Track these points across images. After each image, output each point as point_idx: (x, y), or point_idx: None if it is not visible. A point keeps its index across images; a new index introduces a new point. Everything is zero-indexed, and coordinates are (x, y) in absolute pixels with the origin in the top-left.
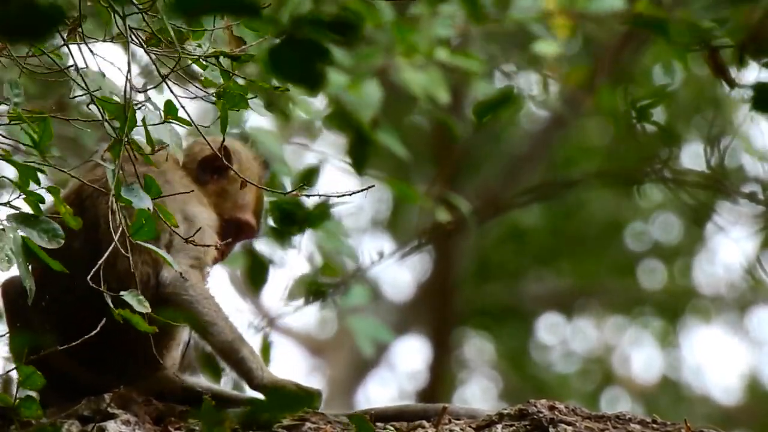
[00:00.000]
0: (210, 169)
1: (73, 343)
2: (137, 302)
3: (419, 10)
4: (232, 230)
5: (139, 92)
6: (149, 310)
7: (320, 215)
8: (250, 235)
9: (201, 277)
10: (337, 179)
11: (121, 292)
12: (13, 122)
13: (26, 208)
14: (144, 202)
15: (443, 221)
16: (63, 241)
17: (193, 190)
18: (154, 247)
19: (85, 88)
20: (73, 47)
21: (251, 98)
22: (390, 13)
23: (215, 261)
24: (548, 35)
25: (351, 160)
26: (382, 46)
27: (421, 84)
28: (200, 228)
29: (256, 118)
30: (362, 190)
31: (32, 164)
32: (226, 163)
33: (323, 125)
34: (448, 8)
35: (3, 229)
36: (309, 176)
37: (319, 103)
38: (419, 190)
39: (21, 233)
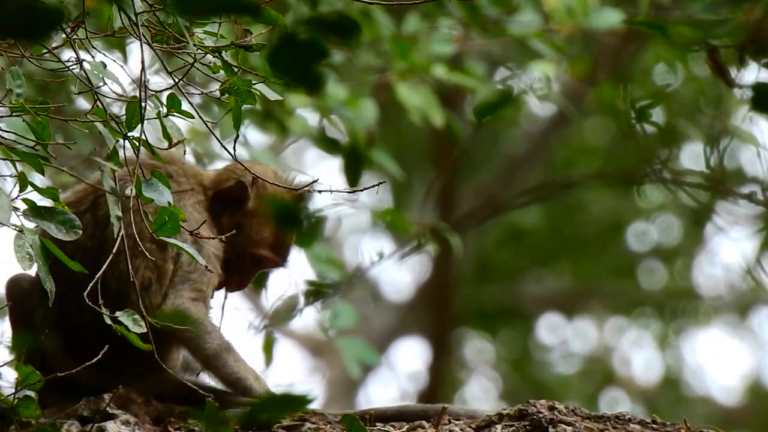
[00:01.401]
0: (223, 203)
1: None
2: (132, 322)
3: (417, 25)
4: (248, 262)
5: (141, 88)
6: (144, 330)
7: (311, 235)
8: (272, 266)
9: (204, 308)
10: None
11: (117, 313)
12: (14, 114)
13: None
14: (164, 197)
15: (430, 250)
16: (81, 232)
17: (185, 218)
18: (178, 243)
19: (87, 83)
20: (75, 45)
21: (258, 83)
22: (388, 27)
23: (232, 290)
24: (548, 50)
25: (345, 176)
26: (379, 62)
27: (416, 105)
28: (196, 227)
29: (253, 136)
30: (373, 186)
31: (37, 154)
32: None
33: (315, 146)
34: (447, 21)
35: (21, 231)
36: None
37: (315, 119)
38: (415, 204)
39: (39, 236)
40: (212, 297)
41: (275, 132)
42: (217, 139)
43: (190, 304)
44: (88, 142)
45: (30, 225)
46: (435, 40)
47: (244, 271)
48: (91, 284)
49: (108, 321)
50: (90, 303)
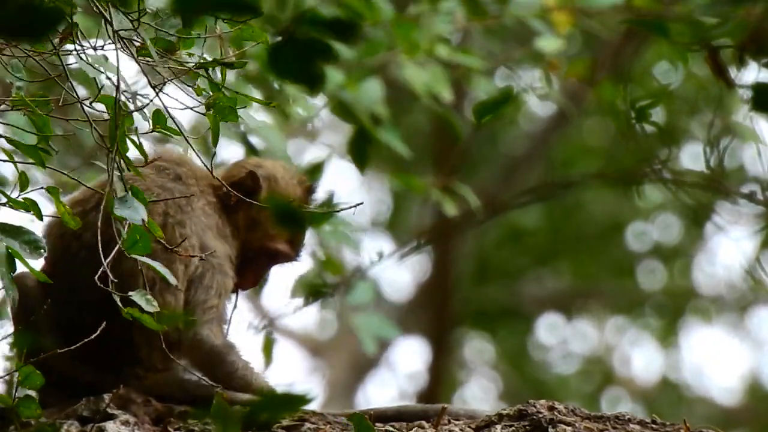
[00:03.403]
0: (237, 199)
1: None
2: (146, 302)
3: (419, 7)
4: (264, 258)
5: (130, 97)
6: (158, 309)
7: (324, 213)
8: (287, 261)
9: (219, 330)
10: (340, 176)
11: (130, 293)
12: (16, 108)
13: (24, 211)
14: (138, 214)
15: (449, 214)
16: (45, 253)
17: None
18: (148, 261)
19: (83, 89)
20: (69, 49)
21: (241, 108)
22: (390, 11)
23: (247, 287)
24: (548, 31)
25: (352, 156)
26: (382, 44)
27: (424, 81)
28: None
29: (259, 114)
30: (355, 206)
31: (37, 148)
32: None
33: (331, 112)
34: (448, 4)
35: None
36: (314, 172)
37: (319, 101)
38: (414, 203)
39: (4, 243)
40: (229, 302)
41: (279, 118)
42: (198, 155)
43: (206, 330)
44: (91, 136)
45: None
46: (436, 21)
47: (259, 267)
48: (97, 275)
49: (118, 303)
50: (101, 285)
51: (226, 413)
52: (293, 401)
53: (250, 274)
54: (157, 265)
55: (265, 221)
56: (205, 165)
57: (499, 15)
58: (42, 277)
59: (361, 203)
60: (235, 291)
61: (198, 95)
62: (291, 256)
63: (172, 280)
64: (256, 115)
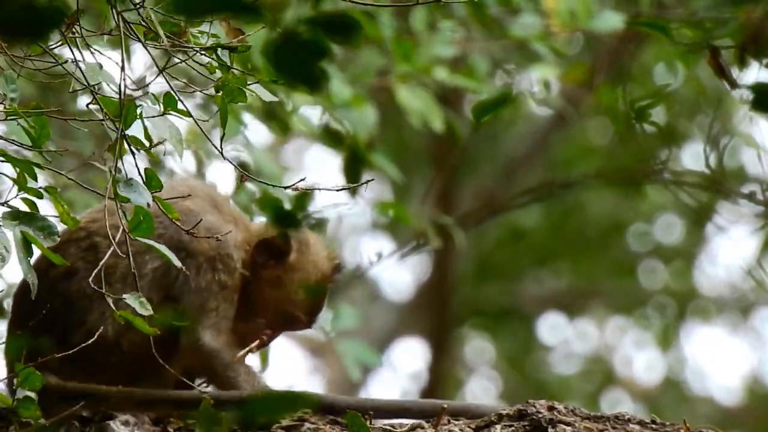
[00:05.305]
0: (267, 253)
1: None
2: (139, 305)
3: (419, 26)
4: (279, 320)
5: (138, 89)
6: (151, 312)
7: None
8: (300, 328)
9: (221, 330)
10: (331, 196)
11: (124, 295)
12: (9, 118)
13: (23, 208)
14: (143, 197)
15: (433, 244)
16: (58, 239)
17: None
18: (154, 244)
19: (85, 82)
20: (71, 44)
21: (253, 83)
22: (390, 29)
23: (256, 348)
24: (548, 53)
25: (346, 178)
26: (381, 62)
27: (416, 110)
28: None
29: (254, 130)
30: (362, 184)
31: (29, 161)
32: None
33: (320, 141)
34: (449, 23)
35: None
36: (303, 200)
37: (318, 115)
38: (414, 204)
39: (19, 229)
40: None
41: (278, 131)
42: (208, 138)
43: (207, 335)
44: (89, 142)
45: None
46: (437, 41)
47: (272, 328)
48: (92, 274)
49: (111, 305)
50: (95, 287)
51: (211, 416)
52: (294, 402)
53: (263, 334)
54: (163, 249)
55: (289, 284)
56: (213, 145)
57: (500, 28)
58: (59, 260)
59: (373, 179)
60: (243, 349)
61: (211, 72)
62: (306, 324)
63: (176, 262)
64: (253, 129)
